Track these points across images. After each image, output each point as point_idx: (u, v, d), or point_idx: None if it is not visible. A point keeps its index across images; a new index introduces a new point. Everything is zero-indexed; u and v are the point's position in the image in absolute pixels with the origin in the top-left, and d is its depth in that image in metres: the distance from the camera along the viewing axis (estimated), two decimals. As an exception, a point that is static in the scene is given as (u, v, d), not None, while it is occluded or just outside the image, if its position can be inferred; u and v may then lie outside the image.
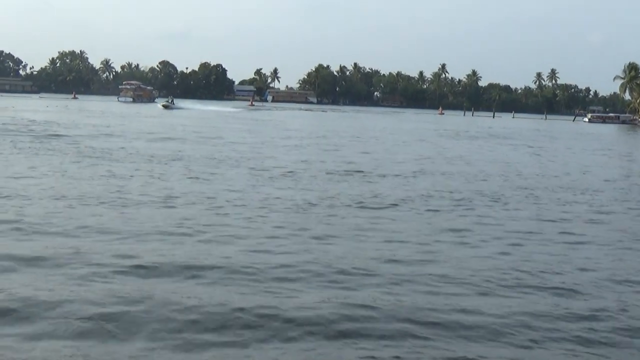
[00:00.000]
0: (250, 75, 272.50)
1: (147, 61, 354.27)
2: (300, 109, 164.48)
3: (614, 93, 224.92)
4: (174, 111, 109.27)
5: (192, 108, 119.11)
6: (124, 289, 10.81)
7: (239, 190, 22.50)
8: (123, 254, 12.94)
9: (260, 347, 8.83)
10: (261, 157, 34.91)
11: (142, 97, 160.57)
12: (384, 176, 28.70)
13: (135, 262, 12.48)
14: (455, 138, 67.31)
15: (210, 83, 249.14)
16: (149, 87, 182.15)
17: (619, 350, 9.25)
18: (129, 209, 17.90)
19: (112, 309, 9.89)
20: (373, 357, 8.64)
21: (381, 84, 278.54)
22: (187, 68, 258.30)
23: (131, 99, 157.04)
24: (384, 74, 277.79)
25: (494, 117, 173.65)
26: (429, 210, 20.18)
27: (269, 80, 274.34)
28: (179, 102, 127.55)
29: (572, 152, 54.53)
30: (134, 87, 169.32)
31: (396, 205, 20.80)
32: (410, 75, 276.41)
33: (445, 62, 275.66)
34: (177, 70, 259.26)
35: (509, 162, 40.29)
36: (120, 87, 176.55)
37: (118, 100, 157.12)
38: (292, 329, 9.43)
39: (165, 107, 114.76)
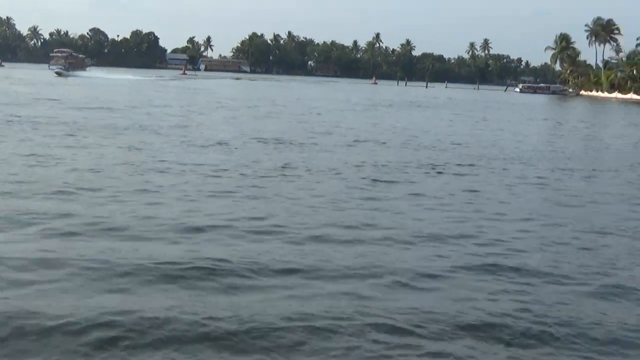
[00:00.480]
0: (183, 43, 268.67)
1: (77, 29, 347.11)
2: (232, 78, 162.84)
3: (545, 64, 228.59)
4: (70, 79, 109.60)
5: (94, 77, 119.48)
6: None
7: (168, 159, 22.16)
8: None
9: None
10: (190, 127, 34.54)
11: (74, 65, 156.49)
12: (316, 145, 28.77)
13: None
14: (388, 107, 67.70)
15: (142, 51, 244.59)
16: (81, 55, 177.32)
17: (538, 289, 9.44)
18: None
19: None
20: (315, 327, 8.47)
21: (315, 53, 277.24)
22: (118, 36, 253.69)
23: (63, 67, 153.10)
24: (318, 43, 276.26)
25: (427, 86, 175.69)
26: (361, 178, 20.25)
27: (202, 49, 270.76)
28: (93, 71, 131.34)
29: (505, 121, 55.41)
30: (65, 54, 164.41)
31: (328, 172, 20.89)
32: (345, 45, 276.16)
33: (380, 32, 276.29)
34: (108, 38, 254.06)
35: (439, 130, 40.82)
36: (51, 54, 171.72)
37: (49, 69, 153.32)
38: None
39: (58, 74, 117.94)
